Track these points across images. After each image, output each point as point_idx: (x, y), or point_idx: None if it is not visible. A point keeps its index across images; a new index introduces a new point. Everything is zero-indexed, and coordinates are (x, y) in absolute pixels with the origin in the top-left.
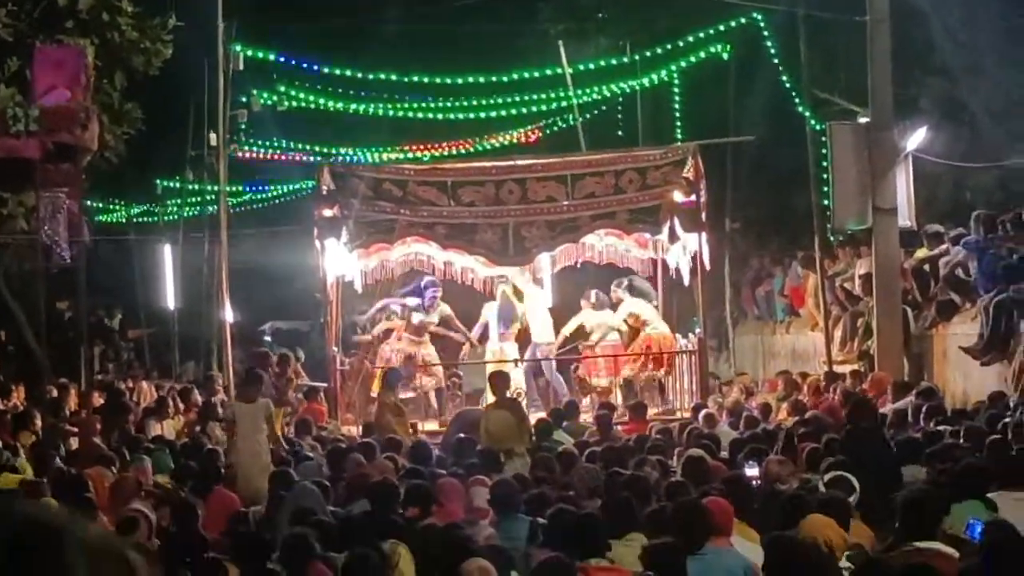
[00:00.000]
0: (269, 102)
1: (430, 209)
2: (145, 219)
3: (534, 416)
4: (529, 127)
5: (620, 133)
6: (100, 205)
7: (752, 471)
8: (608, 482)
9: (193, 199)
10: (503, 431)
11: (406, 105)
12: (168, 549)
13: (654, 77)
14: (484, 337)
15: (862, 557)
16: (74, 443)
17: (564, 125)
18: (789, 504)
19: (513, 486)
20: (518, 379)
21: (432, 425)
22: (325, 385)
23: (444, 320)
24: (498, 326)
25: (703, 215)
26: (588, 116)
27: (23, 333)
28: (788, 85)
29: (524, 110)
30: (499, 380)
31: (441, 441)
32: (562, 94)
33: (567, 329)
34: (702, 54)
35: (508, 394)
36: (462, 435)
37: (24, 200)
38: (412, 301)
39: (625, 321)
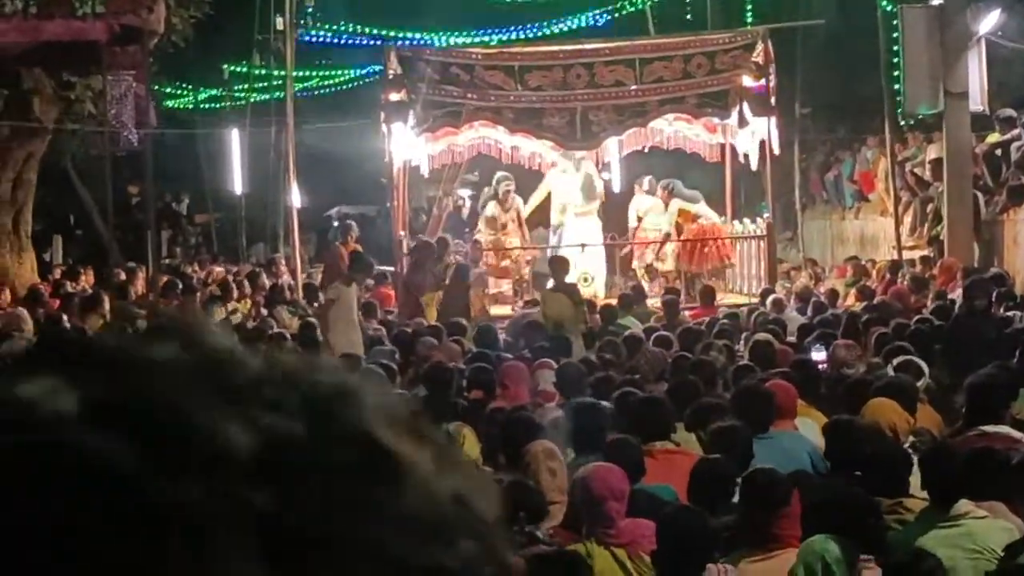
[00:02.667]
0: None
1: (497, 93)
2: (212, 104)
3: None
4: (598, 10)
5: (689, 17)
6: (167, 90)
7: (819, 355)
8: (674, 366)
9: (260, 84)
10: (560, 314)
11: None
12: None
13: None
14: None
15: (927, 441)
16: (142, 326)
17: (632, 8)
18: (855, 388)
19: (579, 369)
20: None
21: (503, 309)
22: (392, 269)
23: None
24: (579, 201)
25: (772, 99)
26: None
27: (91, 217)
28: None
29: None
30: (558, 263)
31: (508, 325)
32: None
33: (631, 221)
34: None
35: (569, 279)
36: (529, 319)
37: (92, 84)
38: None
39: (677, 223)
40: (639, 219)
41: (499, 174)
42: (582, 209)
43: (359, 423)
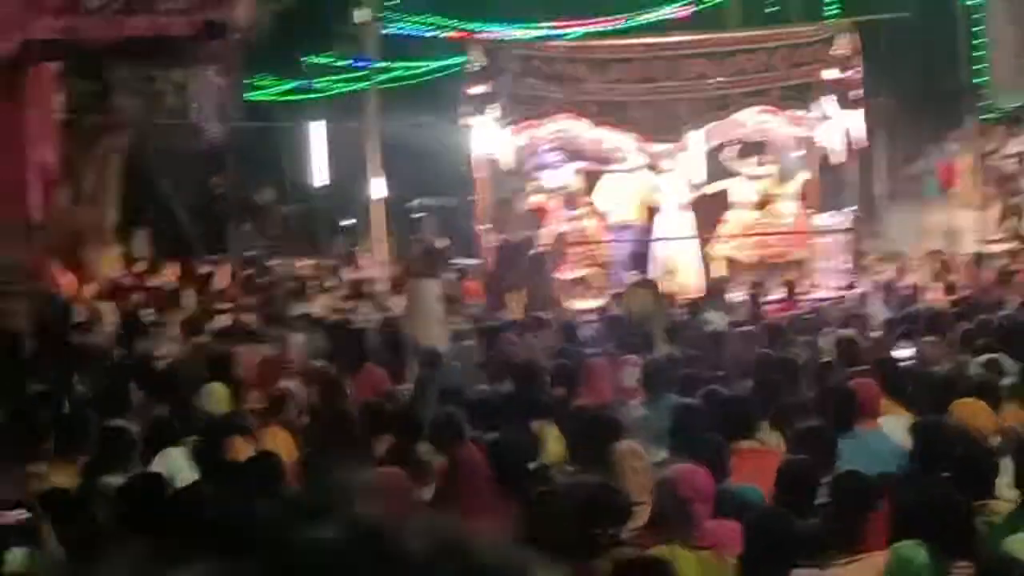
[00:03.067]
0: None
1: (580, 86)
2: (294, 97)
3: None
4: (680, 3)
5: (772, 9)
6: (249, 82)
7: (905, 352)
8: (758, 363)
9: (341, 75)
10: (642, 309)
11: None
12: (317, 427)
13: None
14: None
15: (1013, 443)
16: (224, 320)
17: (715, 1)
18: (941, 387)
19: (664, 366)
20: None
21: (584, 302)
22: (477, 262)
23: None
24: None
25: (857, 92)
26: None
27: (174, 210)
28: None
29: None
30: (636, 259)
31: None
32: None
33: (712, 188)
34: None
35: (654, 272)
36: (612, 314)
37: (174, 78)
38: (549, 176)
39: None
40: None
41: (541, 147)
42: (673, 202)
43: None
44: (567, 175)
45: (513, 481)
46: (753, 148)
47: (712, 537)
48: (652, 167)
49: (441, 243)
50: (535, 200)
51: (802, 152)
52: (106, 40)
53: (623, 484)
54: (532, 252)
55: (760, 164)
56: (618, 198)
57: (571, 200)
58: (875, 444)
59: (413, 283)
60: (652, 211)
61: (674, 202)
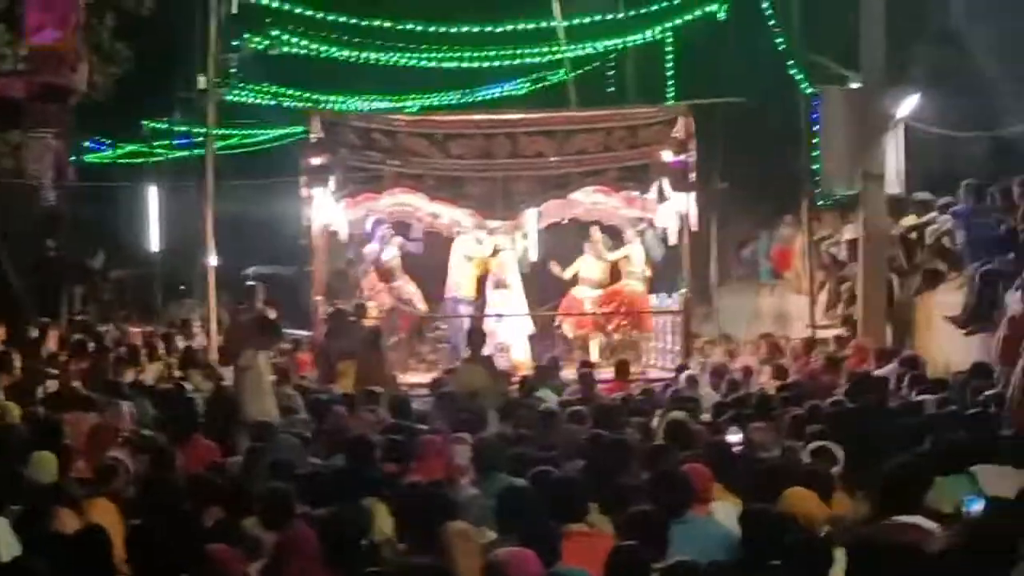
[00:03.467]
0: (261, 46)
1: (419, 160)
2: (132, 161)
3: None
4: (520, 81)
5: (611, 90)
6: (87, 146)
7: (735, 437)
8: (590, 444)
9: (181, 142)
10: (475, 386)
11: (398, 53)
12: (145, 497)
13: (647, 34)
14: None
15: (843, 531)
16: (52, 386)
17: (555, 79)
18: (771, 474)
19: (495, 445)
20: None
21: (415, 377)
22: (309, 334)
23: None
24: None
25: (692, 175)
26: (579, 71)
27: (6, 272)
28: (781, 47)
29: (516, 62)
30: (476, 336)
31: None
32: (554, 48)
33: (568, 273)
34: (696, 12)
35: (486, 351)
36: (444, 390)
37: (9, 139)
38: (369, 248)
39: (615, 263)
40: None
41: (371, 219)
42: (508, 278)
43: None
44: (395, 250)
45: (343, 558)
46: (605, 228)
47: None
48: (485, 243)
49: (272, 313)
50: (368, 272)
51: (645, 230)
52: None
53: (453, 565)
54: (362, 321)
55: (607, 245)
56: (455, 274)
57: (395, 274)
58: (707, 530)
59: (244, 354)
60: (484, 286)
61: (509, 279)
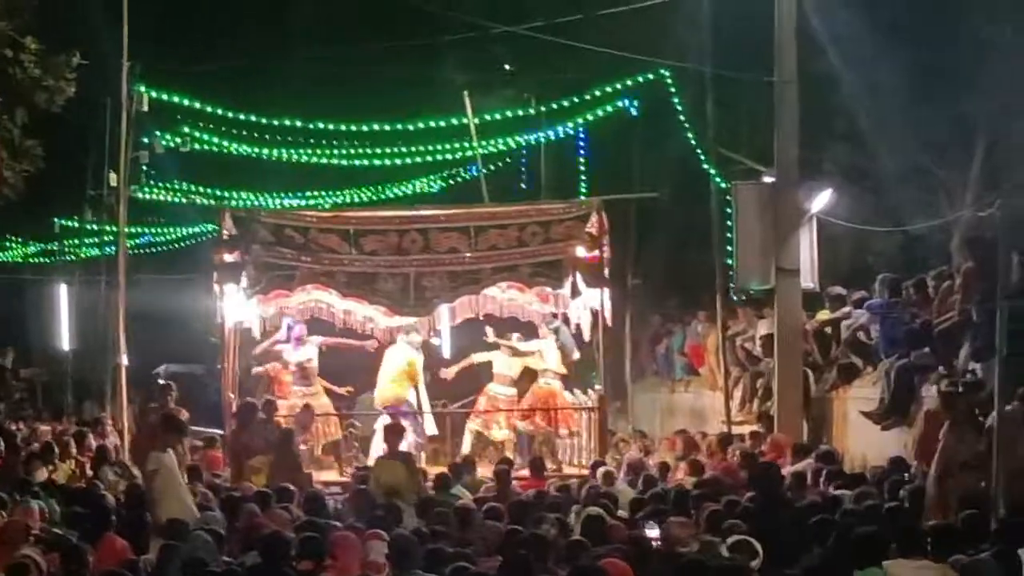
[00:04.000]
0: (172, 144)
1: (331, 256)
2: (42, 259)
3: None
4: (432, 177)
5: (524, 186)
6: None
7: (652, 532)
8: (507, 539)
9: (91, 239)
10: (393, 481)
11: (310, 151)
12: None
13: (559, 130)
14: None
15: None
16: None
17: (467, 176)
18: (689, 569)
19: (411, 541)
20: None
21: (329, 475)
22: (221, 432)
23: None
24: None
25: (605, 271)
26: (492, 168)
27: None
28: (694, 142)
29: (428, 159)
30: (392, 432)
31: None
32: (466, 144)
33: (479, 357)
34: (608, 108)
35: (402, 447)
36: (359, 487)
37: None
38: (282, 347)
39: (525, 366)
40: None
41: (287, 320)
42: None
43: None
44: (310, 350)
45: None
46: (516, 324)
47: None
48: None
49: (183, 414)
50: (271, 368)
51: (558, 327)
52: None
53: None
54: (272, 418)
55: (520, 340)
56: (393, 383)
57: (308, 375)
58: None
59: (150, 457)
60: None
61: (421, 375)
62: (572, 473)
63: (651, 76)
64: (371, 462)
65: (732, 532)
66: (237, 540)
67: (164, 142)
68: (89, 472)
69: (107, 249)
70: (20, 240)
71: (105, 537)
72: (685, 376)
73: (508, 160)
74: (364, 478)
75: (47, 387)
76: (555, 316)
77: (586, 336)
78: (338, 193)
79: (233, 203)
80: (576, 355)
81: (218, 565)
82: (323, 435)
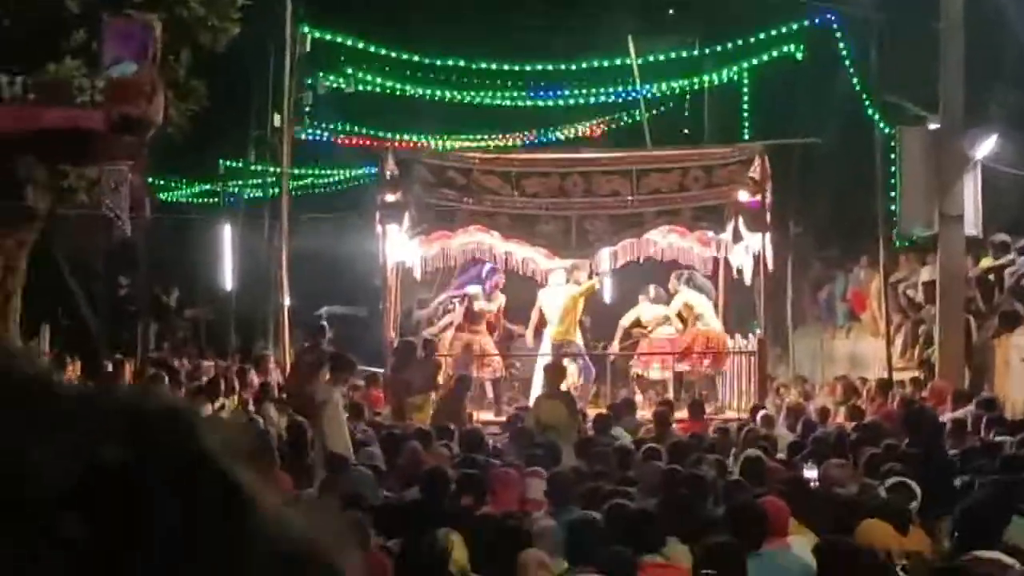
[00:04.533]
0: (335, 85)
1: (493, 198)
2: (206, 199)
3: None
4: (595, 120)
5: (686, 131)
6: (162, 183)
7: (810, 473)
8: (667, 479)
9: (255, 180)
10: (554, 422)
11: (472, 92)
12: None
13: (723, 74)
14: (541, 325)
15: (920, 565)
16: None
17: (630, 120)
18: (847, 508)
19: (570, 479)
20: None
21: (488, 415)
22: (382, 371)
23: (501, 310)
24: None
25: (767, 216)
26: (655, 112)
27: (80, 307)
28: (859, 88)
29: (591, 101)
30: (553, 372)
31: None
32: (629, 88)
33: (625, 320)
34: (773, 53)
35: (562, 387)
36: (519, 425)
37: (86, 173)
38: (472, 288)
39: (679, 313)
40: (644, 327)
41: (488, 266)
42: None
43: (191, 448)
44: (500, 299)
45: None
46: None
47: None
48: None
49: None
50: (447, 319)
51: (689, 276)
52: (19, 131)
53: None
54: (432, 358)
55: (673, 287)
56: (558, 319)
57: (478, 318)
58: (784, 563)
59: (321, 387)
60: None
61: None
62: (731, 417)
63: (817, 21)
64: (531, 403)
65: (891, 475)
66: (397, 477)
67: (327, 83)
68: (252, 408)
69: (271, 190)
70: (186, 181)
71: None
72: (846, 322)
73: (671, 104)
74: (523, 417)
75: (211, 326)
76: (679, 266)
77: (747, 281)
78: (501, 134)
79: (396, 144)
80: (712, 296)
81: (377, 500)
82: (484, 376)
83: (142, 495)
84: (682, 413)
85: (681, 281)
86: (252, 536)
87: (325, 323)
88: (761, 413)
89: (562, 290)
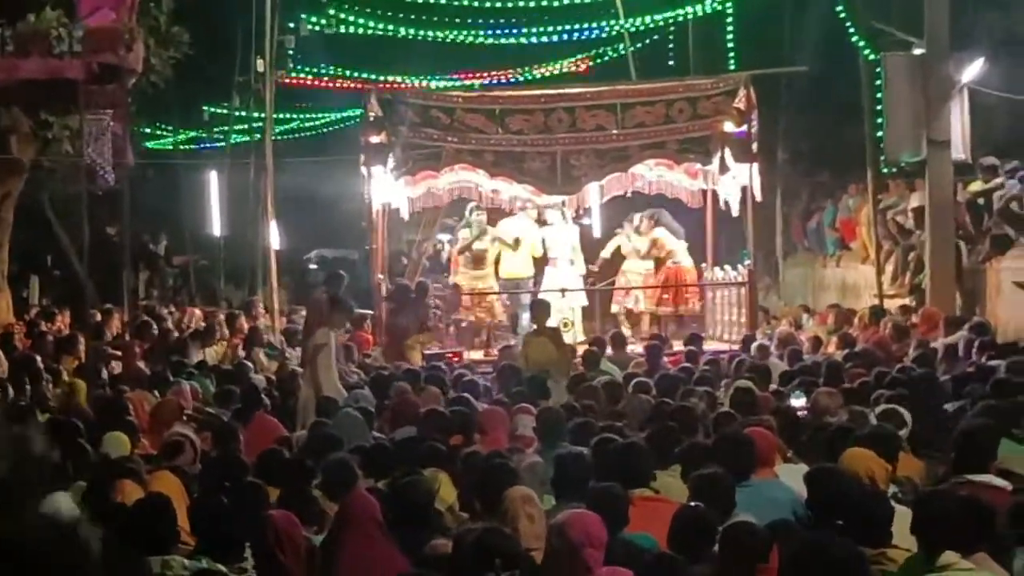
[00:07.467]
0: (317, 27)
1: (478, 136)
2: (192, 145)
3: None
4: (579, 56)
5: (671, 63)
6: (147, 131)
7: (799, 402)
8: (655, 412)
9: (240, 125)
10: (543, 358)
11: (455, 31)
12: (209, 473)
13: (707, 5)
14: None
15: (911, 489)
16: (116, 367)
17: (614, 54)
18: (835, 436)
19: (559, 415)
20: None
21: (477, 354)
22: (371, 312)
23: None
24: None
25: (754, 146)
26: (639, 45)
27: (68, 257)
28: (843, 15)
29: (575, 37)
30: (540, 308)
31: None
32: (613, 22)
33: (606, 252)
34: None
35: (550, 323)
36: (507, 362)
37: (69, 123)
38: (463, 233)
39: (649, 251)
40: (622, 259)
41: (471, 205)
42: (566, 254)
43: None
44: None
45: (406, 527)
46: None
47: None
48: (545, 220)
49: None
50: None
51: (656, 215)
52: (0, 83)
53: (516, 530)
54: (424, 299)
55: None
56: (516, 254)
57: (481, 260)
58: (772, 492)
59: (319, 332)
60: (543, 263)
61: (556, 254)
62: (721, 349)
63: None
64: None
65: (882, 401)
66: (387, 418)
67: (309, 25)
68: (241, 353)
69: (256, 135)
70: (170, 128)
71: (256, 416)
72: (836, 251)
73: (655, 37)
74: (511, 355)
75: (200, 273)
76: (649, 207)
77: (735, 212)
78: (484, 74)
79: (379, 85)
80: (682, 235)
81: (367, 441)
82: (482, 320)
83: None
84: (674, 347)
85: (654, 220)
86: None
87: (341, 271)
88: (756, 343)
89: (567, 229)
